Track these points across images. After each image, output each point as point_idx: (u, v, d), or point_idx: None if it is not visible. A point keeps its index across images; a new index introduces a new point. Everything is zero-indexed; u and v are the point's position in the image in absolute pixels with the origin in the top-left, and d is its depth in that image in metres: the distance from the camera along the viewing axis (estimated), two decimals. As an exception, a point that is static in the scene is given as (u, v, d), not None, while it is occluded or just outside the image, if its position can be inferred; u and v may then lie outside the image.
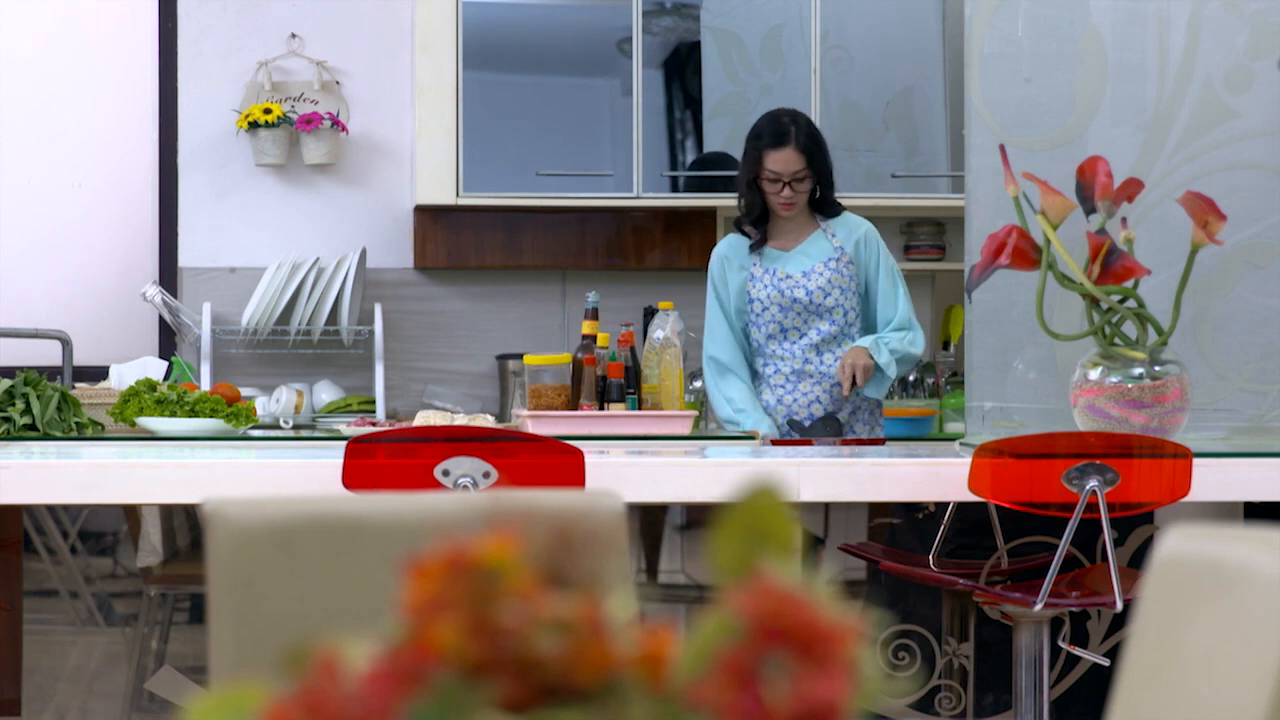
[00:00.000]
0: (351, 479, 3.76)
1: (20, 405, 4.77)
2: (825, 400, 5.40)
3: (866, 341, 5.36)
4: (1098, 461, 3.87)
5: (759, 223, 5.48)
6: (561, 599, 1.02)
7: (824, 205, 5.49)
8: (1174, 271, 4.14)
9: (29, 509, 4.90)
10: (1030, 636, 4.25)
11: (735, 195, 5.57)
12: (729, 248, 5.53)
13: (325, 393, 6.57)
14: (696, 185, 6.72)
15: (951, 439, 5.29)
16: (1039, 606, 3.97)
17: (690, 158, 6.70)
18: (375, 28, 6.81)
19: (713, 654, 1.01)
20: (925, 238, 6.92)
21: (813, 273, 5.42)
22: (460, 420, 5.04)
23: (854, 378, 5.28)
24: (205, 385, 6.31)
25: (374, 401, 6.54)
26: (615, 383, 5.06)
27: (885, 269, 5.49)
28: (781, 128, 5.45)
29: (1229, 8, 4.54)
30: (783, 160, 5.38)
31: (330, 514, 2.27)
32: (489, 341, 6.85)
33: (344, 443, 3.87)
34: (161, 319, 6.74)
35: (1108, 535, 3.89)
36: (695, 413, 5.43)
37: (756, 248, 5.46)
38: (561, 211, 6.73)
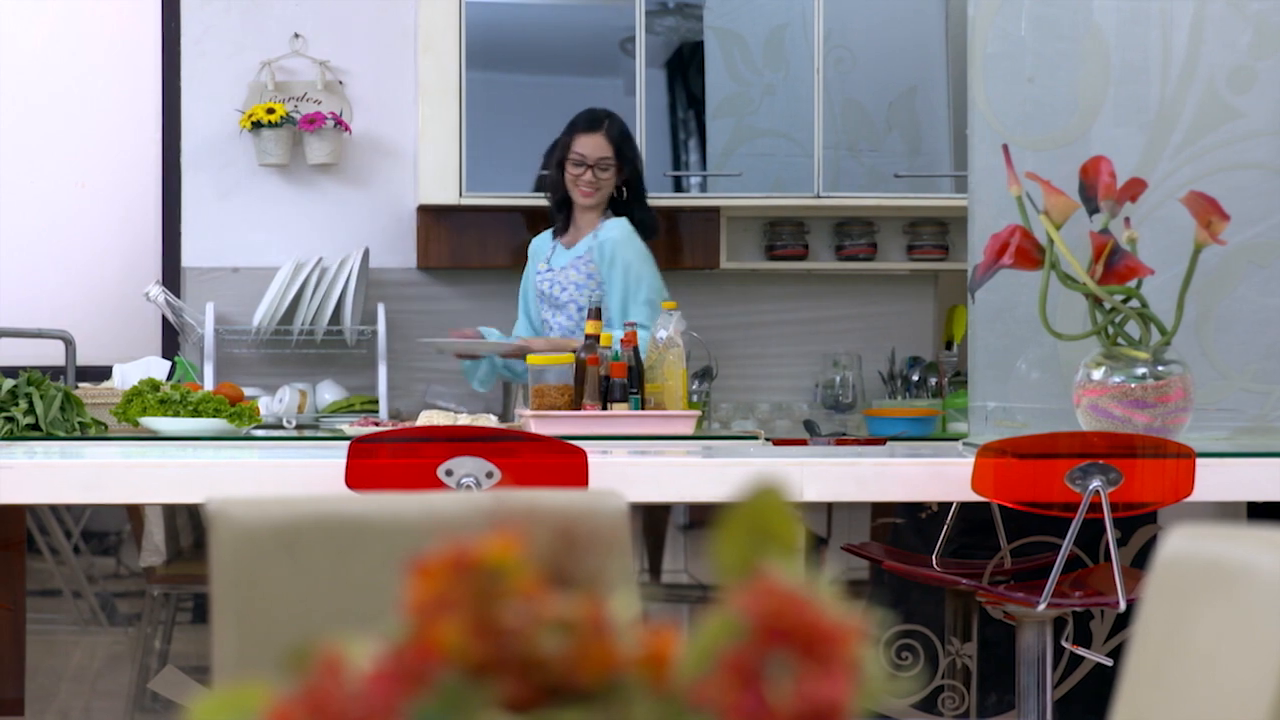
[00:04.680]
0: (354, 479, 3.76)
1: (23, 405, 4.77)
2: None
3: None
4: (1101, 461, 3.87)
5: (562, 210, 5.72)
6: (564, 599, 1.02)
7: (629, 209, 5.68)
8: (1177, 271, 4.14)
9: (32, 509, 4.90)
10: (1033, 636, 4.25)
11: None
12: (538, 240, 5.93)
13: (328, 392, 6.58)
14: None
15: (954, 439, 5.29)
16: (1042, 606, 3.97)
17: (694, 158, 6.70)
18: (378, 27, 6.81)
19: (716, 654, 1.01)
20: (928, 238, 6.91)
21: (566, 267, 5.62)
22: (463, 420, 5.04)
23: None
24: (208, 385, 6.31)
25: (377, 401, 6.54)
26: (618, 383, 5.05)
27: (619, 274, 5.64)
28: (596, 116, 5.69)
29: (1232, 7, 4.54)
30: (590, 144, 5.58)
31: (333, 514, 2.27)
32: (492, 341, 6.85)
33: (347, 442, 3.87)
34: (164, 319, 6.74)
35: (1111, 535, 3.89)
36: (698, 413, 5.42)
37: (558, 234, 5.70)
38: (564, 211, 6.72)
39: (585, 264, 5.69)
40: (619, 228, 5.68)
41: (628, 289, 5.60)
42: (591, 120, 5.72)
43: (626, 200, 5.73)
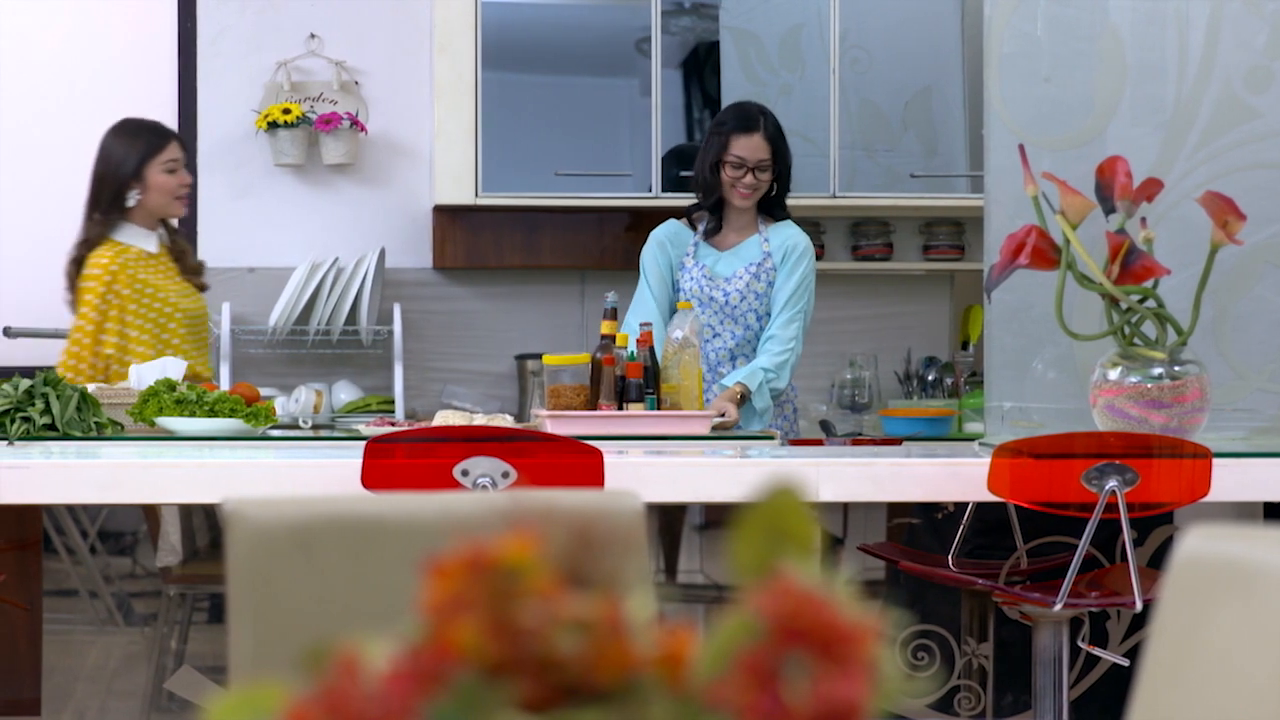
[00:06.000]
0: (371, 479, 3.76)
1: (40, 405, 4.78)
2: None
3: (755, 380, 5.35)
4: (1117, 461, 3.87)
5: (713, 212, 5.53)
6: (581, 599, 1.02)
7: (773, 207, 5.50)
8: (1193, 271, 4.13)
9: (48, 509, 4.91)
10: (1049, 636, 4.25)
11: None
12: (666, 234, 5.58)
13: (344, 393, 6.58)
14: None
15: (971, 439, 5.29)
16: (1058, 606, 3.96)
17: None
18: (394, 28, 6.82)
19: (732, 654, 1.01)
20: (944, 238, 6.91)
21: (734, 276, 5.46)
22: (479, 420, 5.04)
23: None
24: (224, 385, 6.32)
25: (393, 401, 6.54)
26: (634, 383, 5.05)
27: (794, 283, 5.47)
28: (750, 114, 5.48)
29: (1249, 7, 4.53)
30: (749, 146, 5.40)
31: (349, 514, 2.27)
32: (508, 341, 6.86)
33: (363, 443, 3.87)
34: (181, 319, 6.75)
35: (1127, 535, 3.88)
36: (714, 413, 5.42)
37: (708, 236, 5.51)
38: (580, 211, 6.73)
39: (768, 271, 5.53)
40: (804, 237, 5.54)
41: (795, 293, 5.48)
42: (747, 120, 5.45)
43: (776, 195, 5.52)
